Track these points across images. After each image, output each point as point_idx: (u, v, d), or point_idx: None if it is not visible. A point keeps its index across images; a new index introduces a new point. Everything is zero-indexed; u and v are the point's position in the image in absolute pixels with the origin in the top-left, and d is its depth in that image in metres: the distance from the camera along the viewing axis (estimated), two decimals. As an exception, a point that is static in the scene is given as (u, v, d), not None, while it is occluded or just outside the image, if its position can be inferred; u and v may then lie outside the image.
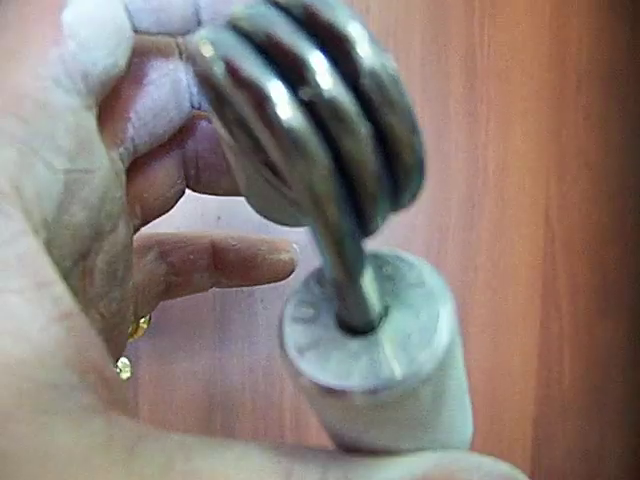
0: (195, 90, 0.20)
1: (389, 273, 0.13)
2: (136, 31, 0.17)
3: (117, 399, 0.13)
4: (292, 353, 0.12)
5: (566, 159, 0.42)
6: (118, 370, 0.37)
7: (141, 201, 0.21)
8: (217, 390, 0.39)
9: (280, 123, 0.09)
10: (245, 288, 0.39)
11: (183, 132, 0.21)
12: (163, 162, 0.21)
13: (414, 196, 0.11)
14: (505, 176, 0.41)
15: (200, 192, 0.22)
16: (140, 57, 0.18)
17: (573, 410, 0.42)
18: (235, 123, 0.11)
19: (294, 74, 0.10)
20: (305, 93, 0.10)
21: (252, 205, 0.20)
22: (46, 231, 0.15)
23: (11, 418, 0.11)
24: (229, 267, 0.24)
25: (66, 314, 0.13)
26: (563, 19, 0.42)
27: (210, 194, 0.23)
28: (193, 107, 0.20)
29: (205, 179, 0.22)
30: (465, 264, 0.41)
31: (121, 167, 0.19)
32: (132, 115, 0.19)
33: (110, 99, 0.18)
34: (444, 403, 0.13)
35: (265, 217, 0.20)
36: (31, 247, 0.13)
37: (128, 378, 0.38)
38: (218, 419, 0.39)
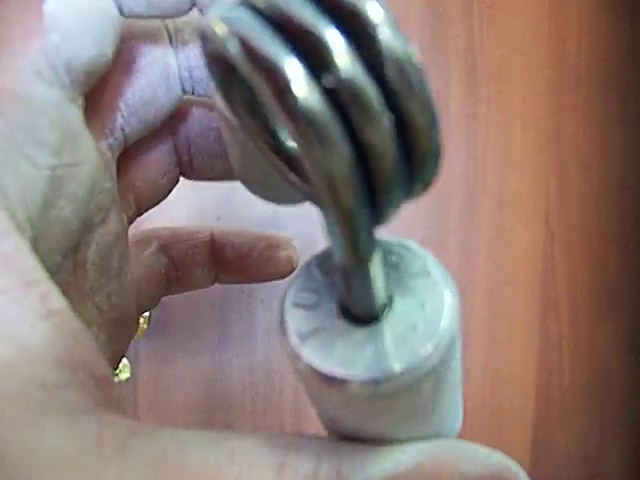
0: (186, 74, 0.19)
1: (394, 262, 0.13)
2: (125, 16, 0.16)
3: (108, 397, 0.12)
4: (294, 340, 0.12)
5: (566, 159, 0.42)
6: (117, 370, 0.37)
7: (134, 190, 0.20)
8: (217, 391, 0.39)
9: (298, 104, 0.09)
10: (245, 288, 0.39)
11: (174, 118, 0.20)
12: (155, 149, 0.20)
13: (427, 185, 0.11)
14: (505, 177, 0.41)
15: (194, 179, 0.22)
16: (128, 43, 0.18)
17: (573, 412, 0.42)
18: (242, 103, 0.11)
19: (313, 56, 0.09)
20: (327, 79, 0.09)
21: (247, 184, 0.19)
22: (32, 229, 0.14)
23: None
24: (227, 262, 0.24)
25: (54, 312, 0.13)
26: (562, 18, 0.42)
27: (204, 180, 0.22)
28: (185, 92, 0.19)
29: (198, 164, 0.21)
30: (464, 265, 0.41)
31: (110, 157, 0.18)
32: (121, 104, 0.18)
33: (97, 89, 0.17)
34: (443, 393, 0.13)
35: (260, 196, 0.19)
36: (16, 246, 0.13)
37: (127, 378, 0.38)
38: (218, 420, 0.39)
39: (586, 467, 0.42)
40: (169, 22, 0.19)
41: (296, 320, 0.12)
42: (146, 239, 0.23)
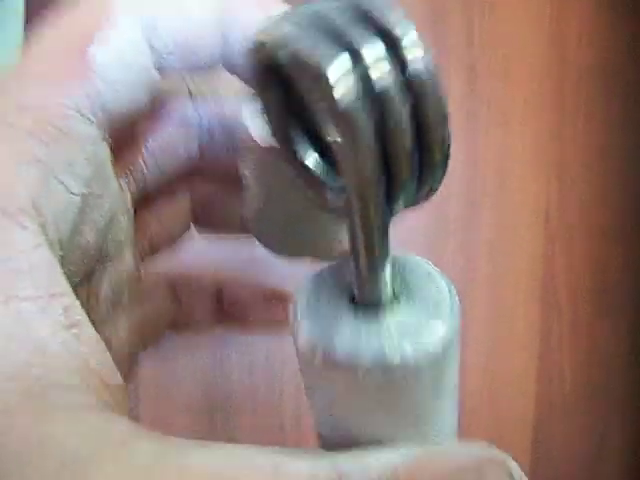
0: (204, 127, 0.20)
1: (399, 262, 0.14)
2: (160, 71, 0.17)
3: (118, 404, 0.13)
4: (306, 333, 0.13)
5: (566, 159, 0.42)
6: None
7: (150, 238, 0.22)
8: (217, 390, 0.39)
9: (341, 107, 0.10)
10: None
11: (192, 170, 0.21)
12: (172, 201, 0.22)
13: (432, 190, 0.13)
14: (505, 176, 0.41)
15: (200, 232, 0.23)
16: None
17: (574, 413, 0.42)
18: (279, 116, 0.13)
19: (355, 58, 0.11)
20: (369, 86, 0.11)
21: (261, 238, 0.21)
22: (61, 250, 0.16)
23: (15, 414, 0.12)
24: (225, 313, 0.25)
25: (75, 323, 0.14)
26: (562, 18, 0.42)
27: (213, 232, 0.23)
28: (201, 144, 0.20)
29: (205, 218, 0.23)
30: (465, 265, 0.41)
31: (128, 196, 0.19)
32: (142, 148, 0.20)
33: (123, 131, 0.18)
34: (441, 392, 0.14)
35: (274, 250, 0.21)
36: (45, 259, 0.14)
37: (128, 378, 0.38)
38: (218, 418, 0.39)
39: (586, 468, 0.42)
40: (188, 76, 0.20)
41: (308, 317, 0.13)
42: (157, 278, 0.24)
